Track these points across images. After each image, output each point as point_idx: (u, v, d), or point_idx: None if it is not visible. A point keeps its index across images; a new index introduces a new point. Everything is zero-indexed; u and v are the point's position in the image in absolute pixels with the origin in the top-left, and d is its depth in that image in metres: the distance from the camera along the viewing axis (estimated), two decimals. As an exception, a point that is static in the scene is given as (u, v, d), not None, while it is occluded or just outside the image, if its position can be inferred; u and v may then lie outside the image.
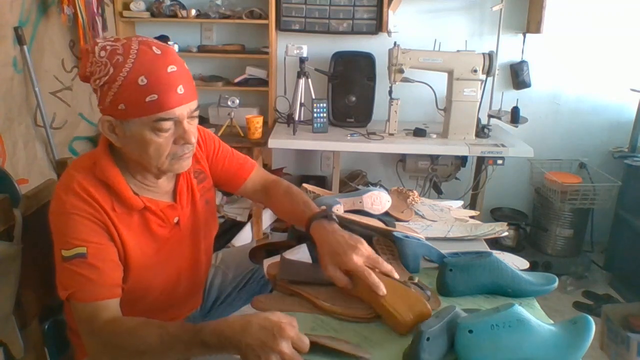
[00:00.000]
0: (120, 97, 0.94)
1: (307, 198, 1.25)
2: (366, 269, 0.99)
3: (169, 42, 2.86)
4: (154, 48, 0.95)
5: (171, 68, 0.95)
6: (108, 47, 0.95)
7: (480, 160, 2.71)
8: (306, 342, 0.84)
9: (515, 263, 1.27)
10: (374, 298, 0.99)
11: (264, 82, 2.89)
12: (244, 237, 2.79)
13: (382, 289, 0.97)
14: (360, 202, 1.41)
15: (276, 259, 1.19)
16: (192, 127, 1.03)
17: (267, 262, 1.20)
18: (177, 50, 2.84)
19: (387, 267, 1.03)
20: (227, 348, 0.84)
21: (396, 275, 1.02)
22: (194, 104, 1.01)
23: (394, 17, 2.75)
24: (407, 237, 1.20)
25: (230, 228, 2.85)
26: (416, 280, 1.09)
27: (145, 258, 1.08)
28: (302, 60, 2.68)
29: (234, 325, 0.83)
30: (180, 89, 0.96)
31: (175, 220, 1.14)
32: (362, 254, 1.01)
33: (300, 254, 1.19)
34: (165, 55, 0.96)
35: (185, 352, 0.87)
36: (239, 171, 1.32)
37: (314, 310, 1.05)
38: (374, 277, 0.98)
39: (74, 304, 0.97)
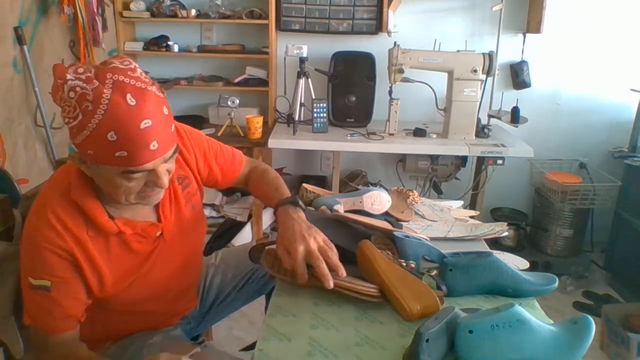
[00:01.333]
0: (90, 144, 0.88)
1: (280, 183, 1.28)
2: (303, 262, 1.04)
3: (169, 42, 2.86)
4: (128, 97, 0.86)
5: (145, 123, 0.87)
6: (78, 89, 0.85)
7: (480, 160, 2.71)
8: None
9: (515, 263, 1.27)
10: (382, 284, 1.05)
11: (264, 82, 2.89)
12: (244, 237, 2.79)
13: (329, 283, 1.02)
14: (360, 202, 1.41)
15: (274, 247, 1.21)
16: (170, 166, 0.99)
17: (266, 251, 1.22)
18: (177, 50, 2.84)
19: (335, 261, 1.04)
20: None
21: (342, 273, 1.04)
22: (169, 153, 0.95)
23: (394, 17, 2.75)
24: (407, 236, 1.20)
25: (230, 228, 2.85)
26: (433, 274, 1.11)
27: (127, 275, 1.06)
28: (302, 60, 2.68)
29: None
30: (154, 145, 0.89)
31: (158, 233, 1.10)
32: (309, 246, 1.04)
33: None
34: (139, 108, 0.87)
35: None
36: (231, 167, 1.32)
37: (319, 283, 1.05)
38: (323, 268, 1.02)
39: (33, 329, 1.01)
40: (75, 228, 0.97)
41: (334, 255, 1.05)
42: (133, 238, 1.06)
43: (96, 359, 1.00)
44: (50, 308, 0.97)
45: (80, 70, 0.88)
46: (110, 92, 0.86)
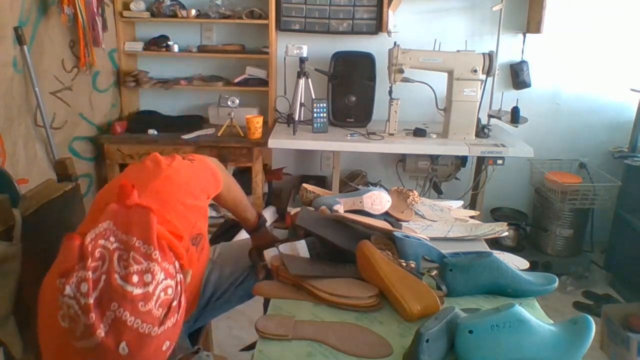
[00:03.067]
0: None
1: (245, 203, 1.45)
2: None
3: (169, 42, 2.86)
4: (121, 346, 0.71)
5: None
6: (72, 313, 0.71)
7: (480, 160, 2.71)
8: None
9: (515, 263, 1.27)
10: (382, 284, 1.06)
11: (264, 82, 2.89)
12: (244, 237, 2.78)
13: None
14: (360, 202, 1.41)
15: (276, 251, 1.23)
16: None
17: (267, 253, 1.24)
18: (177, 50, 2.85)
19: None
20: None
21: None
22: None
23: (394, 17, 2.75)
24: (407, 236, 1.20)
25: (230, 228, 2.84)
26: (433, 274, 1.12)
27: None
28: (302, 60, 2.68)
29: None
30: None
31: None
32: None
33: (298, 249, 1.21)
34: (130, 358, 0.72)
35: None
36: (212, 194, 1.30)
37: (314, 300, 1.08)
38: None
39: None
40: None
41: None
42: None
43: None
44: None
45: (84, 288, 0.72)
46: (103, 334, 0.71)
